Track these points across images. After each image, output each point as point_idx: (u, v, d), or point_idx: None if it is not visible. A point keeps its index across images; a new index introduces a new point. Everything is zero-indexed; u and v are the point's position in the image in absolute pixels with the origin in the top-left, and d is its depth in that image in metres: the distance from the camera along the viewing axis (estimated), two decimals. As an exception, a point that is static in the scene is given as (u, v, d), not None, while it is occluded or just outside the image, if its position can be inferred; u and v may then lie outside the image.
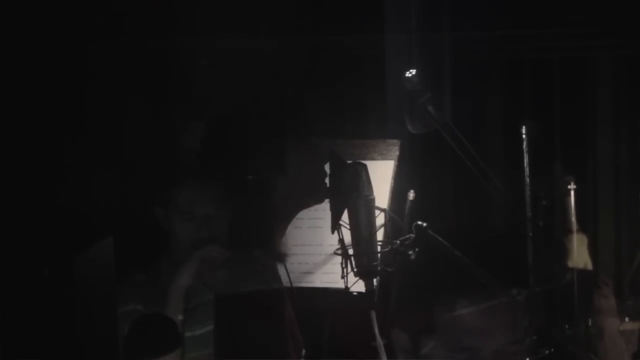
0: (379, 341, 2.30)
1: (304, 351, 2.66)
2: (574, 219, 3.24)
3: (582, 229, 3.31)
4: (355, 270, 2.33)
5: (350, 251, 2.33)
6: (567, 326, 3.07)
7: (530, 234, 2.99)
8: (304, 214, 2.98)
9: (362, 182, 2.34)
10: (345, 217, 2.36)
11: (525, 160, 3.02)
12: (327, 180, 2.49)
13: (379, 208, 2.40)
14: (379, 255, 2.34)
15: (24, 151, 3.23)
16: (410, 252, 2.46)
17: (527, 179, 3.01)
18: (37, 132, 3.32)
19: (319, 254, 2.94)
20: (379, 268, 2.33)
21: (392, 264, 2.41)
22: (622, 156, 4.17)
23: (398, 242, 2.45)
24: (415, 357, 2.14)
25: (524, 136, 3.03)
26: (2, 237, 1.95)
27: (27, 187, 3.10)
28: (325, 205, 2.44)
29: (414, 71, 2.77)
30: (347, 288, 2.35)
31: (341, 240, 2.36)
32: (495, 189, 3.08)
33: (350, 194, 2.33)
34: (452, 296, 2.16)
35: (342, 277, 2.34)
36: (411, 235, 2.49)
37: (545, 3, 3.98)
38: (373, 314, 2.34)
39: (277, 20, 3.75)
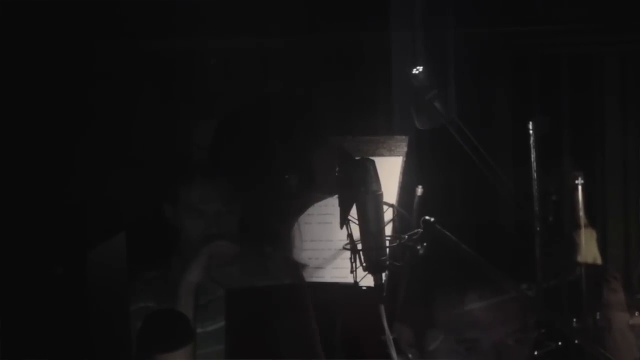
0: (388, 335, 2.32)
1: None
2: (582, 213, 3.24)
3: (591, 223, 3.32)
4: (364, 265, 2.35)
5: (359, 246, 2.35)
6: (574, 320, 3.08)
7: (538, 229, 3.00)
8: (313, 209, 3.00)
9: (370, 178, 2.35)
10: (354, 212, 2.37)
11: (533, 155, 3.03)
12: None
13: (387, 203, 2.42)
14: (387, 250, 2.36)
15: (35, 148, 3.25)
16: (418, 247, 2.48)
17: (535, 175, 3.02)
18: (49, 129, 3.34)
19: (329, 249, 2.95)
20: (387, 263, 2.35)
21: (401, 258, 2.43)
22: (630, 150, 4.17)
23: (406, 237, 2.47)
24: (423, 352, 2.16)
25: (531, 132, 3.04)
26: (15, 235, 1.97)
27: (39, 184, 3.12)
28: (334, 200, 2.46)
29: (420, 68, 2.79)
30: (356, 283, 2.36)
31: (350, 236, 2.37)
32: (503, 185, 3.09)
33: (358, 189, 2.35)
34: (460, 291, 2.18)
35: (351, 271, 2.36)
36: (419, 230, 2.50)
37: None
38: (382, 309, 2.35)
39: (285, 19, 3.77)
